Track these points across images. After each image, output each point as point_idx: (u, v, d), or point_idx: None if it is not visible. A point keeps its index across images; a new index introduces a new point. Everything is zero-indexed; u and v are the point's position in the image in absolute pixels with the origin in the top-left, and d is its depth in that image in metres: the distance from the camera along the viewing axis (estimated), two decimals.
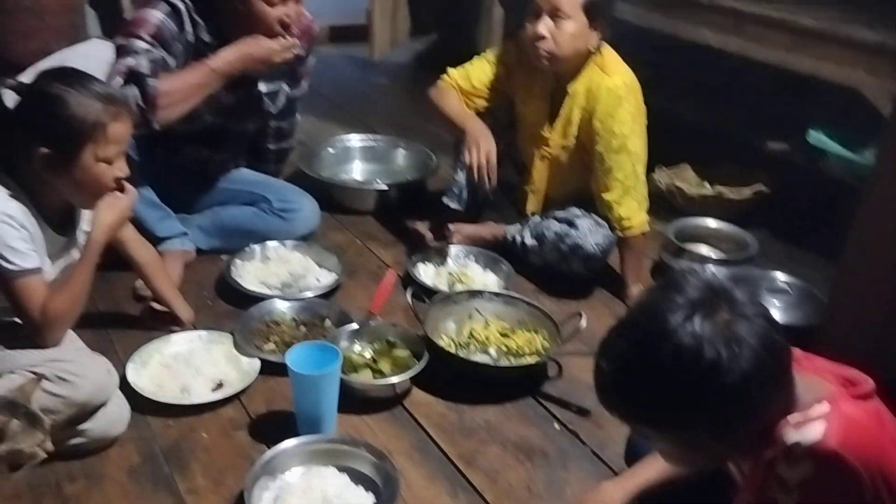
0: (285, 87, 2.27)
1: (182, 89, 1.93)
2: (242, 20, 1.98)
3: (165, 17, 1.94)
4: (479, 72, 2.22)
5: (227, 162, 2.32)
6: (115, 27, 3.73)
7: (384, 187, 2.62)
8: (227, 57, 1.97)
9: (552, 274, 2.21)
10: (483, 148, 2.09)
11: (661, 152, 2.73)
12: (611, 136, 2.04)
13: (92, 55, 3.06)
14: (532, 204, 2.29)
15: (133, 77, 1.87)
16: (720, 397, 0.93)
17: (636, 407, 0.99)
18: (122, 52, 1.90)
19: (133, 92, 1.85)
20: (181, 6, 1.97)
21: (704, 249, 2.35)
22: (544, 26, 1.98)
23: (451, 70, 2.25)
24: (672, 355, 0.93)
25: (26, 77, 1.54)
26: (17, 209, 1.45)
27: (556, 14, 1.96)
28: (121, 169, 1.54)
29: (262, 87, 2.18)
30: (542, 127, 2.20)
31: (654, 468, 1.32)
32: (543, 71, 2.10)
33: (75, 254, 1.64)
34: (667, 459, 1.17)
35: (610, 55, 2.08)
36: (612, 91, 2.03)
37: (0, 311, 1.56)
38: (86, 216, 1.64)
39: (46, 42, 3.41)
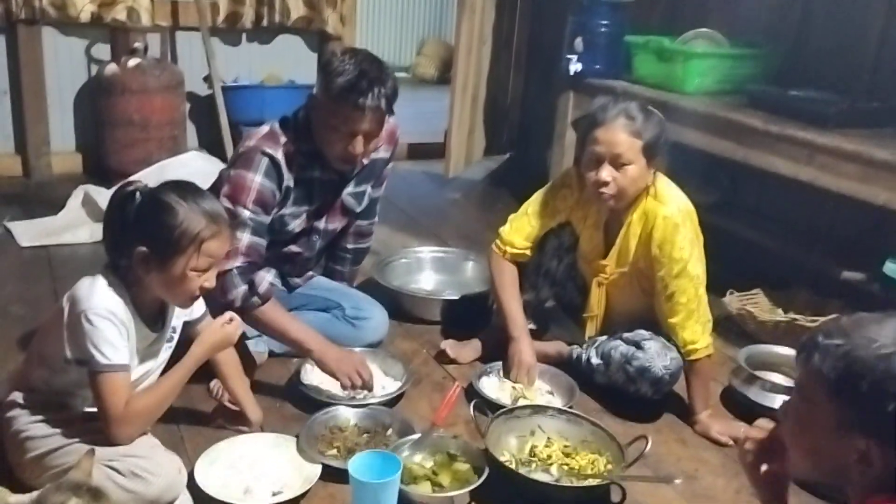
0: (369, 189, 2.38)
1: (272, 325, 2.10)
2: (324, 147, 2.11)
3: (264, 179, 2.06)
4: (528, 228, 2.26)
5: (311, 261, 2.42)
6: (212, 139, 4.04)
7: (453, 298, 2.67)
8: (325, 350, 2.10)
9: (618, 394, 2.19)
10: (524, 365, 2.19)
11: (733, 277, 2.74)
12: (672, 262, 2.05)
13: (189, 164, 3.33)
14: (590, 329, 2.29)
15: (264, 276, 2.12)
16: None
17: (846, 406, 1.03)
18: (232, 220, 1.94)
19: (242, 291, 2.03)
20: (280, 157, 2.08)
21: (777, 377, 2.29)
22: (607, 173, 2.03)
23: (502, 233, 2.29)
24: None
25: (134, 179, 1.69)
26: (118, 305, 1.56)
27: (617, 161, 2.02)
28: (209, 280, 1.63)
29: (350, 188, 2.30)
30: (598, 255, 2.23)
31: None
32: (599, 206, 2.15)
33: (163, 353, 1.73)
34: (795, 439, 1.14)
35: (662, 182, 2.11)
36: (669, 218, 2.05)
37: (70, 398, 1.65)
38: (177, 314, 1.74)
39: (149, 152, 3.70)
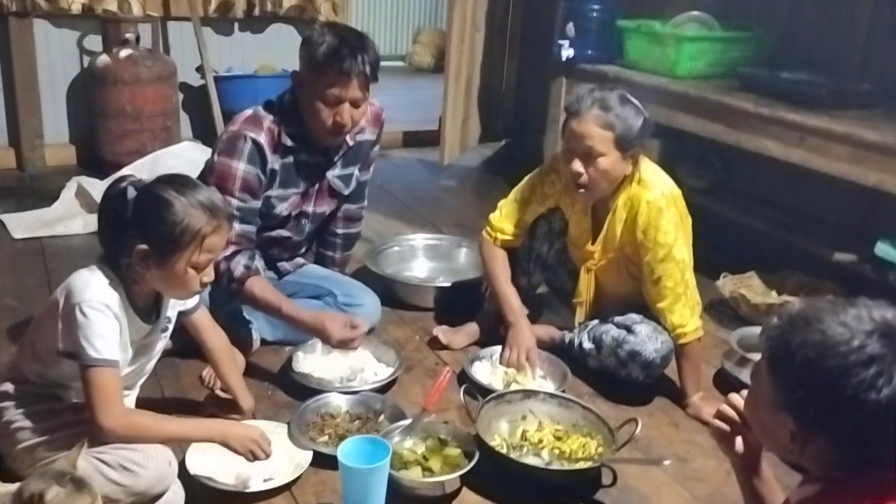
0: (357, 172, 2.39)
1: (256, 299, 2.10)
2: (312, 121, 2.12)
3: (247, 165, 2.08)
4: (518, 214, 2.28)
5: (301, 245, 2.43)
6: (206, 130, 4.04)
7: (445, 285, 2.67)
8: (302, 314, 2.09)
9: (610, 378, 2.20)
10: (523, 348, 2.19)
11: (726, 260, 2.74)
12: (657, 247, 2.05)
13: (183, 155, 3.32)
14: (580, 315, 2.29)
15: (239, 260, 2.08)
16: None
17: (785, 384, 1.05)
18: None
19: (234, 265, 2.06)
20: (263, 140, 2.09)
21: None
22: (580, 165, 2.03)
23: (492, 219, 2.31)
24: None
25: (127, 173, 1.68)
26: (114, 299, 1.54)
27: (588, 153, 2.01)
28: (208, 275, 1.61)
29: (337, 170, 2.31)
30: (586, 241, 2.23)
31: None
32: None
33: (158, 344, 1.73)
34: (749, 412, 1.19)
35: (647, 167, 2.11)
36: (653, 203, 2.05)
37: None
38: (172, 304, 1.73)
39: (142, 143, 3.70)
